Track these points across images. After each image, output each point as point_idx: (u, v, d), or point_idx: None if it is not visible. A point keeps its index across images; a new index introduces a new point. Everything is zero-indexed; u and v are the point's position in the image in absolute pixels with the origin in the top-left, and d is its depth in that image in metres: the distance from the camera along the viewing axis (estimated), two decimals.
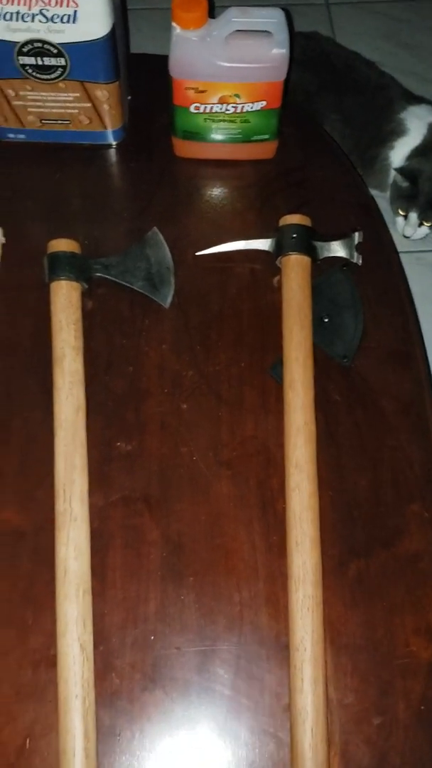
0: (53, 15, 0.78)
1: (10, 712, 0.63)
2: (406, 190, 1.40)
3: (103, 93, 0.86)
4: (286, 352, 0.76)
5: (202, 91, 0.83)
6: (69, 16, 0.78)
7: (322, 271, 0.83)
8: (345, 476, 0.73)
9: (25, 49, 0.81)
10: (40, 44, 0.80)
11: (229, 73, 0.81)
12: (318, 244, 0.82)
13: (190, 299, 0.82)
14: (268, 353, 0.79)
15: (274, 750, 0.63)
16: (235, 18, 0.78)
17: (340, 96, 1.45)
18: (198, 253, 0.85)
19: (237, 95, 0.84)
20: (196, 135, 0.89)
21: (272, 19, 0.79)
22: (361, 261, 0.84)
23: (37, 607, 0.67)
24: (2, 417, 0.75)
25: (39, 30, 0.79)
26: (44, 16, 0.78)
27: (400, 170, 1.39)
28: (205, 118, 0.87)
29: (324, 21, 1.87)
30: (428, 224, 1.43)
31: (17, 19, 0.78)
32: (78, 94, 0.86)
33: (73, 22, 0.78)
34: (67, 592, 0.65)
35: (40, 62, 0.82)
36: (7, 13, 0.78)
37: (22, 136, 0.92)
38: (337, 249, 0.83)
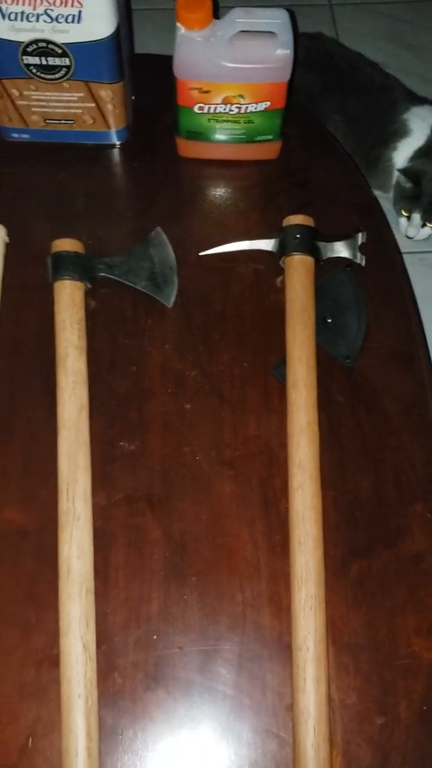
0: (58, 15, 0.78)
1: (13, 711, 0.63)
2: (409, 191, 1.40)
3: (107, 93, 0.86)
4: (289, 352, 0.76)
5: (206, 92, 0.83)
6: (74, 16, 0.78)
7: (326, 271, 0.83)
8: (347, 476, 0.73)
9: (29, 49, 0.81)
10: (44, 44, 0.80)
11: (233, 74, 0.81)
12: (321, 244, 0.82)
13: (194, 299, 0.82)
14: (271, 353, 0.79)
15: (276, 749, 0.63)
16: (239, 19, 0.78)
17: (343, 97, 1.45)
18: (201, 253, 0.85)
19: (241, 96, 0.84)
20: (199, 135, 0.89)
21: (276, 19, 0.79)
22: (364, 262, 0.84)
23: (40, 606, 0.67)
24: (6, 416, 0.75)
25: (44, 30, 0.79)
26: (49, 16, 0.78)
27: (404, 171, 1.39)
28: (209, 119, 0.87)
29: (327, 22, 1.87)
30: (431, 225, 1.43)
31: (22, 19, 0.78)
32: (82, 94, 0.86)
33: (78, 22, 0.78)
34: (70, 591, 0.65)
35: (44, 62, 0.82)
36: (12, 13, 0.78)
37: (26, 136, 0.92)
38: (341, 249, 0.83)
